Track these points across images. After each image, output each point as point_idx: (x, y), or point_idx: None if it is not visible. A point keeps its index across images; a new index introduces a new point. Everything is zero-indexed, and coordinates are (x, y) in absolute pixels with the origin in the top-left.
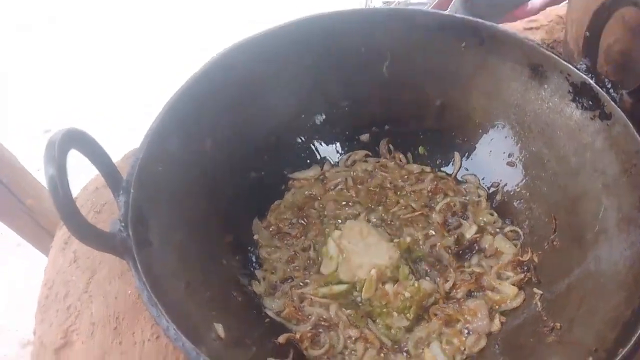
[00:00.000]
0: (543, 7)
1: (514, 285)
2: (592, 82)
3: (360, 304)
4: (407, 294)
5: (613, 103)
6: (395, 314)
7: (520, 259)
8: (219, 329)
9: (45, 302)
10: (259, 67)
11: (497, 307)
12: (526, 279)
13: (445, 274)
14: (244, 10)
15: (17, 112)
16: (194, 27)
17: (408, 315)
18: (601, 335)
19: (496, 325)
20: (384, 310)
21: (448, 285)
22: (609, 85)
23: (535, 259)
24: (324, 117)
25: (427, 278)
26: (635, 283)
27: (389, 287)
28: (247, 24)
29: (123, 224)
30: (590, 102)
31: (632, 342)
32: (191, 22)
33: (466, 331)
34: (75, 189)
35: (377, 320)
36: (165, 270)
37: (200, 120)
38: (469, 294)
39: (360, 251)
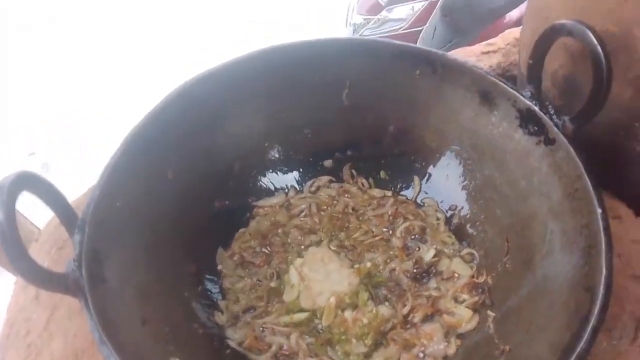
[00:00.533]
0: (519, 20)
1: (468, 307)
2: (536, 108)
3: (320, 332)
4: (365, 321)
5: (556, 129)
6: (354, 340)
7: (476, 281)
8: None
9: (6, 341)
10: (221, 98)
11: (453, 330)
12: (480, 301)
13: (403, 298)
14: (244, 10)
15: (17, 113)
16: (194, 27)
17: (366, 341)
18: (546, 358)
19: (452, 348)
20: (343, 337)
21: (406, 310)
22: (552, 112)
23: (490, 281)
24: (287, 144)
25: (386, 303)
26: (576, 306)
27: (348, 313)
28: (247, 24)
29: (77, 264)
30: (535, 128)
31: None
32: (191, 22)
33: (423, 355)
34: (40, 222)
35: (337, 348)
36: (120, 308)
37: (161, 152)
38: (426, 318)
39: (320, 279)
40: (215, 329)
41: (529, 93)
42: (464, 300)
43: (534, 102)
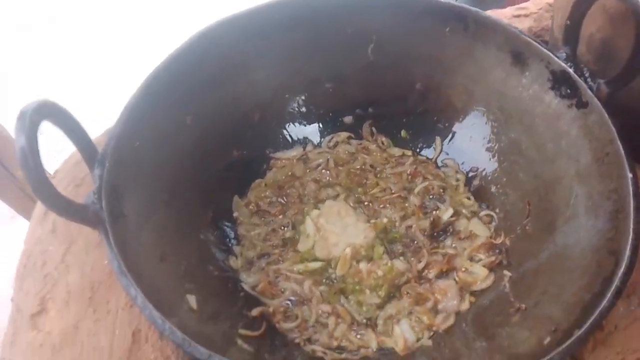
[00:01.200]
0: None
1: (485, 267)
2: (570, 70)
3: (334, 281)
4: (379, 273)
5: (590, 92)
6: (367, 291)
7: (493, 242)
8: (192, 300)
9: (23, 270)
10: (243, 44)
11: (467, 287)
12: (497, 261)
13: (419, 255)
14: None
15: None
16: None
17: (380, 293)
18: (561, 317)
19: (465, 304)
20: (357, 287)
21: (421, 266)
22: (587, 74)
23: (508, 243)
24: (307, 97)
25: (401, 258)
26: (598, 268)
27: (362, 265)
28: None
29: (97, 196)
30: (568, 91)
31: (588, 324)
32: (192, 22)
33: (435, 309)
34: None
35: (350, 297)
36: (139, 242)
37: (181, 95)
38: (441, 275)
39: (337, 230)
40: (230, 273)
41: (564, 54)
42: (480, 260)
43: (568, 64)
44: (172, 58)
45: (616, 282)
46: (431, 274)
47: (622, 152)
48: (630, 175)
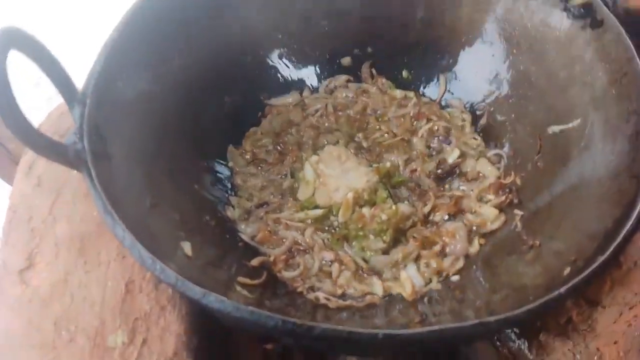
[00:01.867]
0: None
1: (494, 207)
2: None
3: (336, 228)
4: (384, 217)
5: (606, 9)
6: (371, 236)
7: (503, 181)
8: (186, 247)
9: (8, 226)
10: None
11: (476, 229)
12: (508, 201)
13: (425, 198)
14: None
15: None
16: None
17: (385, 238)
18: (581, 247)
19: (475, 247)
20: (360, 233)
21: (427, 209)
22: None
23: (518, 181)
24: (302, 37)
25: (406, 202)
26: (618, 193)
27: (366, 210)
28: None
29: (78, 136)
30: (581, 10)
31: (612, 249)
32: None
33: (444, 253)
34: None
35: (354, 244)
36: (127, 186)
37: (166, 34)
38: (449, 217)
39: (337, 175)
40: (228, 223)
41: None
42: (489, 200)
43: None
44: None
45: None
46: (438, 216)
47: None
48: None
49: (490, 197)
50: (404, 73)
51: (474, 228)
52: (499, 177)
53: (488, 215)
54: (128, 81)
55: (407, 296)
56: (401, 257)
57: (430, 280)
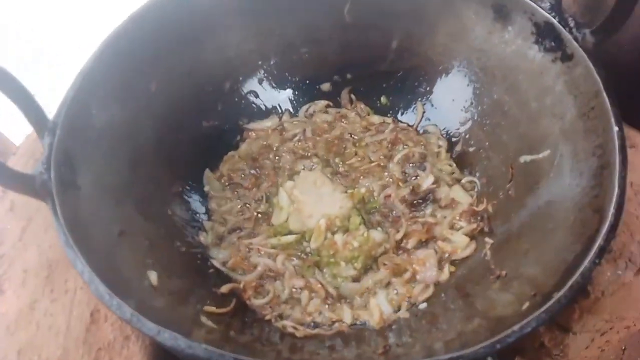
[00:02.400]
0: None
1: (466, 235)
2: (555, 20)
3: (308, 255)
4: (355, 244)
5: (575, 43)
6: (343, 263)
7: (475, 209)
8: (153, 276)
9: None
10: (213, 6)
11: (447, 256)
12: (479, 228)
13: (397, 224)
14: None
15: None
16: None
17: (356, 264)
18: (542, 281)
19: (445, 274)
20: (332, 260)
21: (399, 236)
22: (573, 24)
23: (490, 209)
24: (282, 63)
25: (379, 229)
26: (581, 227)
27: (338, 237)
28: None
29: (45, 166)
30: (552, 43)
31: (568, 285)
32: None
33: (414, 281)
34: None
35: (325, 270)
36: (94, 215)
37: (144, 60)
38: (420, 245)
39: (311, 201)
40: (200, 249)
41: (548, 4)
42: (460, 228)
43: (552, 14)
44: (133, 18)
45: (599, 240)
46: (410, 244)
47: (609, 104)
48: (616, 128)
49: (462, 224)
50: (383, 99)
51: (445, 255)
52: (471, 205)
53: (459, 242)
54: (101, 109)
55: (375, 324)
56: (371, 284)
57: (399, 308)
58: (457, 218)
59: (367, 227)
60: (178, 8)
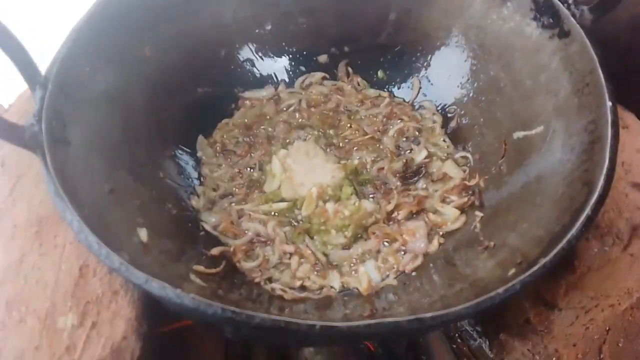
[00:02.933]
0: None
1: (456, 208)
2: None
3: (299, 222)
4: (346, 213)
5: (573, 19)
6: (333, 231)
7: (467, 183)
8: (142, 233)
9: None
10: None
11: (437, 228)
12: (470, 202)
13: (389, 196)
14: None
15: None
16: None
17: (346, 233)
18: (528, 250)
19: (434, 245)
20: (322, 227)
21: (390, 207)
22: (571, 1)
23: (482, 184)
24: (279, 32)
25: (371, 199)
26: (569, 200)
27: (329, 205)
28: None
29: (37, 119)
30: (550, 20)
31: (554, 251)
32: None
33: (403, 250)
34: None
35: (315, 238)
36: (85, 172)
37: (138, 22)
38: (411, 216)
39: (304, 170)
40: (191, 212)
41: None
42: (451, 201)
43: None
44: None
45: (587, 210)
46: (401, 215)
47: (603, 80)
48: (609, 103)
49: (454, 197)
50: (380, 73)
51: (436, 227)
52: (464, 179)
53: (449, 215)
54: (94, 69)
55: (363, 291)
56: (361, 252)
57: (387, 276)
58: (449, 192)
59: (359, 198)
60: None
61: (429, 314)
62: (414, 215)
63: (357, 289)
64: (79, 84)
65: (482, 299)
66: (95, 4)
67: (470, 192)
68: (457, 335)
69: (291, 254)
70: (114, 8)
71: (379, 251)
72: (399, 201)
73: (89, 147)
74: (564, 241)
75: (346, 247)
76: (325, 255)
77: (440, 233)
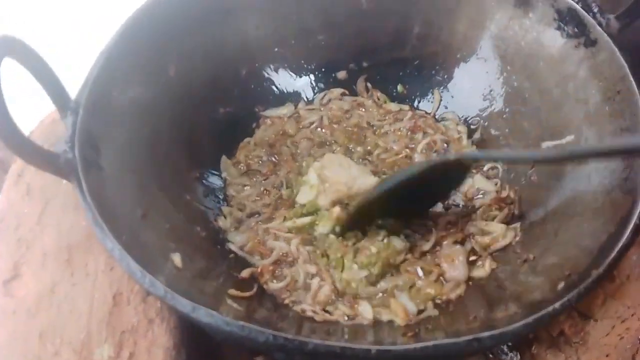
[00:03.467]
0: None
1: (501, 222)
2: (578, 7)
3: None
4: (373, 249)
5: (599, 28)
6: (355, 266)
7: (500, 196)
8: (176, 258)
9: None
10: None
11: (485, 249)
12: (511, 213)
13: (428, 235)
14: None
15: None
16: None
17: (372, 270)
18: (575, 261)
19: (485, 271)
20: (341, 261)
21: (427, 247)
22: (596, 10)
23: (512, 195)
24: (298, 50)
25: (402, 236)
26: (612, 209)
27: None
28: None
29: (69, 145)
30: (575, 29)
31: (606, 263)
32: None
33: (443, 279)
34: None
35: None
36: (118, 196)
37: (163, 43)
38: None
39: (344, 180)
40: (219, 234)
41: None
42: (495, 216)
43: (575, 0)
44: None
45: (634, 219)
46: (443, 248)
47: (636, 88)
48: None
49: (495, 212)
50: (399, 87)
51: (483, 249)
52: (497, 192)
53: (497, 232)
54: (122, 90)
55: (400, 321)
56: (391, 287)
57: (425, 308)
58: (488, 208)
59: (388, 232)
60: None
61: (486, 334)
62: (459, 243)
63: (392, 320)
64: (108, 107)
65: (539, 315)
66: (122, 27)
67: (508, 202)
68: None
69: (313, 275)
70: (141, 30)
71: (413, 285)
72: (437, 237)
73: (120, 171)
74: (615, 251)
75: (373, 282)
76: (347, 284)
77: (490, 254)
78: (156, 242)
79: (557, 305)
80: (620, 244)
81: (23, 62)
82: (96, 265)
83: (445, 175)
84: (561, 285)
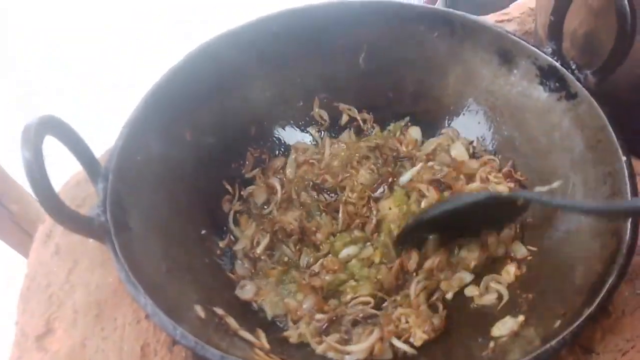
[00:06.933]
0: None
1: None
2: (557, 64)
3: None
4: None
5: (578, 83)
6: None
7: None
8: (198, 309)
9: (27, 293)
10: (239, 58)
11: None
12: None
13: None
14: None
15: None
16: (179, 14)
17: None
18: (570, 300)
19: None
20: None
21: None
22: (574, 67)
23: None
24: (303, 109)
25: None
26: (601, 249)
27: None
28: (233, 15)
29: (102, 209)
30: (556, 84)
31: (597, 301)
32: (191, 36)
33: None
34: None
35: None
36: (145, 254)
37: (180, 111)
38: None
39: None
40: (234, 284)
41: (549, 50)
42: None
43: (555, 58)
44: (171, 73)
45: (620, 261)
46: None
47: (614, 137)
48: (624, 158)
49: None
50: None
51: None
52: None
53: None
54: (146, 156)
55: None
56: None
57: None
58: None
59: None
60: (212, 63)
61: None
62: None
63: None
64: (133, 172)
65: (540, 352)
66: (144, 98)
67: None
68: None
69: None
70: (158, 102)
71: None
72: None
73: (145, 230)
74: (604, 290)
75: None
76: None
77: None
78: (180, 295)
79: (553, 343)
80: (608, 284)
81: (60, 138)
82: (124, 319)
83: (496, 210)
84: (557, 323)
